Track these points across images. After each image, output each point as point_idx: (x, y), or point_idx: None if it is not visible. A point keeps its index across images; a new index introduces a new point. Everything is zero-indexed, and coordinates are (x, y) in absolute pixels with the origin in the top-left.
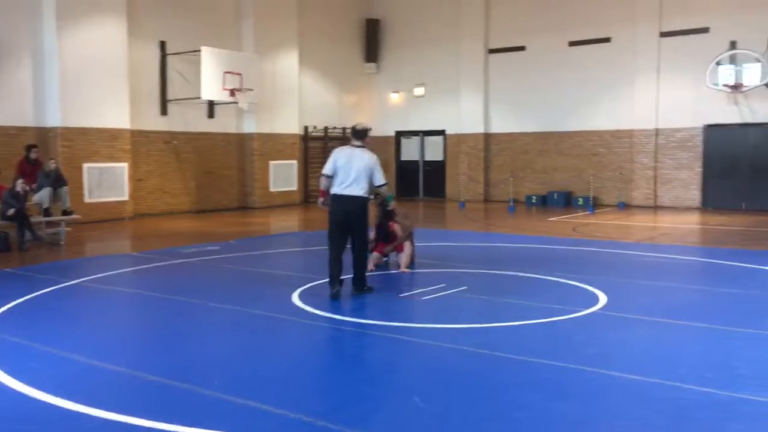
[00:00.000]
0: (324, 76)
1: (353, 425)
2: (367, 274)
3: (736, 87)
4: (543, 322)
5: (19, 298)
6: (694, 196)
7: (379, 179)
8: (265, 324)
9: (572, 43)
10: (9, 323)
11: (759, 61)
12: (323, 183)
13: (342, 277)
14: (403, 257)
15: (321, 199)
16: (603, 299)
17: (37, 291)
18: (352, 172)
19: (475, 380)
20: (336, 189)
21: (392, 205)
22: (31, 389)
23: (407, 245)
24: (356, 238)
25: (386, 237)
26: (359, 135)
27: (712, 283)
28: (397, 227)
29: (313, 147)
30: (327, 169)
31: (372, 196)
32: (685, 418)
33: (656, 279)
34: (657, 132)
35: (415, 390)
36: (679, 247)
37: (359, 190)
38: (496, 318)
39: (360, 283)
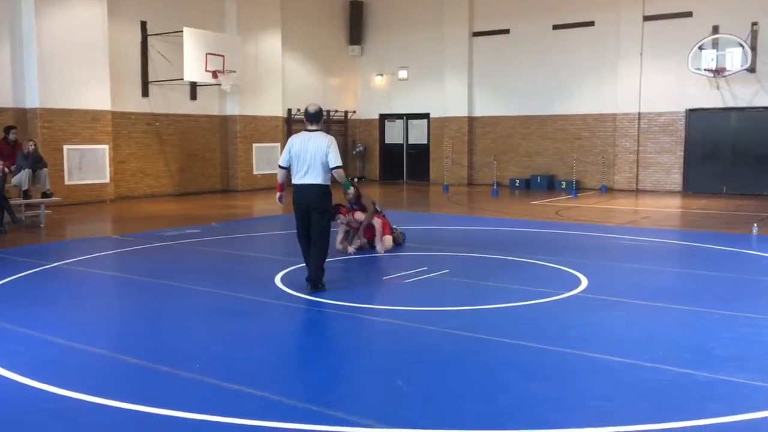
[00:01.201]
0: (307, 59)
1: (335, 407)
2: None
3: (719, 71)
4: (525, 305)
5: None
6: (676, 180)
7: (334, 161)
8: (247, 307)
9: (556, 27)
10: None
11: (741, 45)
12: (279, 175)
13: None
14: (379, 243)
15: (278, 194)
16: (584, 282)
17: (17, 274)
18: (308, 159)
19: (457, 362)
20: (295, 179)
21: (350, 192)
22: (10, 372)
23: (378, 227)
24: (314, 226)
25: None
26: (313, 117)
27: (692, 266)
28: (358, 215)
29: (297, 130)
30: (282, 160)
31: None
32: (664, 399)
33: (637, 262)
34: (639, 116)
35: (397, 372)
36: (660, 231)
37: (317, 177)
38: (478, 301)
39: (313, 281)
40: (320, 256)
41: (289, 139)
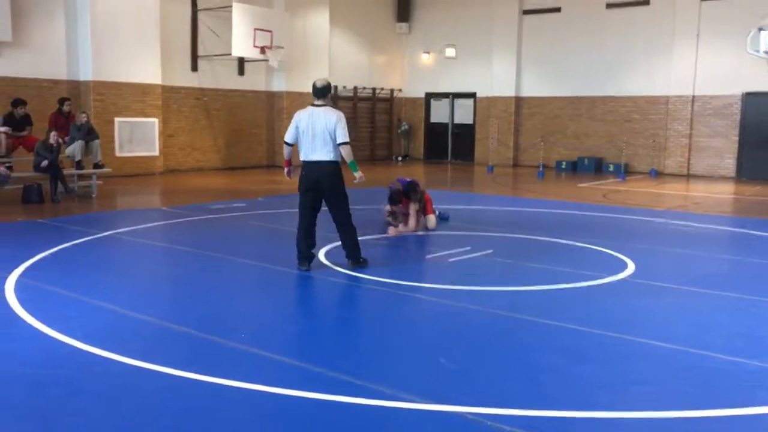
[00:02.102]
0: (354, 36)
1: (377, 381)
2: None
3: None
4: (569, 288)
5: (52, 248)
6: (729, 165)
7: (341, 136)
8: (291, 280)
9: (610, 6)
10: (42, 272)
11: None
12: (286, 152)
13: (312, 253)
14: (429, 220)
15: (286, 170)
16: (631, 266)
17: (70, 242)
18: (316, 135)
19: (499, 342)
20: (303, 156)
21: (358, 176)
22: (65, 337)
23: (413, 217)
24: (335, 210)
25: (403, 216)
26: (320, 93)
27: (743, 253)
28: (411, 206)
29: (343, 107)
30: (288, 136)
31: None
32: (711, 385)
33: (686, 247)
34: (693, 99)
35: (440, 349)
36: (711, 217)
37: (327, 154)
38: (521, 282)
39: (354, 258)
40: (354, 237)
41: (296, 114)
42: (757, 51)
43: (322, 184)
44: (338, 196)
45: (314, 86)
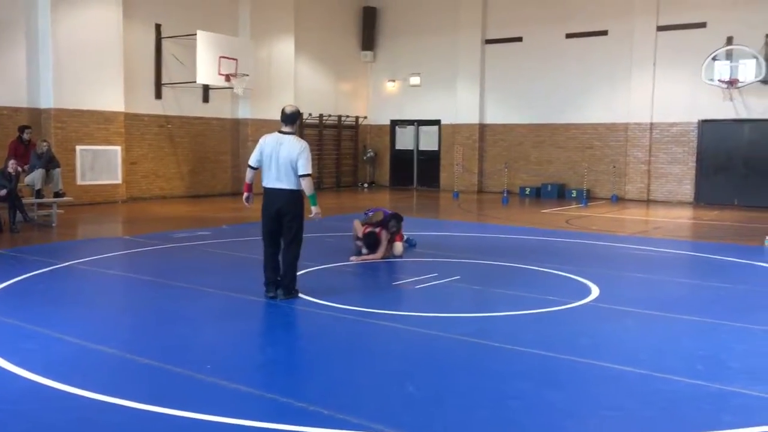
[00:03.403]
0: (320, 64)
1: (344, 410)
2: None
3: (732, 83)
4: (535, 313)
5: (10, 279)
6: (687, 190)
7: (303, 168)
8: (257, 309)
9: (569, 35)
10: (0, 304)
11: (755, 57)
12: (248, 175)
13: (279, 280)
14: (396, 246)
15: (245, 195)
16: (595, 291)
17: (29, 272)
18: (280, 163)
19: (468, 368)
20: (264, 182)
21: (315, 211)
22: (23, 370)
23: (383, 246)
24: (287, 233)
25: (373, 245)
26: (289, 119)
27: (704, 277)
28: (384, 234)
29: (308, 134)
30: (252, 160)
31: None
32: (676, 410)
33: (648, 272)
34: (652, 126)
35: (408, 377)
36: (671, 241)
37: (288, 182)
38: (488, 308)
39: (287, 288)
40: (294, 262)
41: (261, 139)
42: (712, 80)
43: (282, 211)
44: (295, 222)
45: (283, 112)
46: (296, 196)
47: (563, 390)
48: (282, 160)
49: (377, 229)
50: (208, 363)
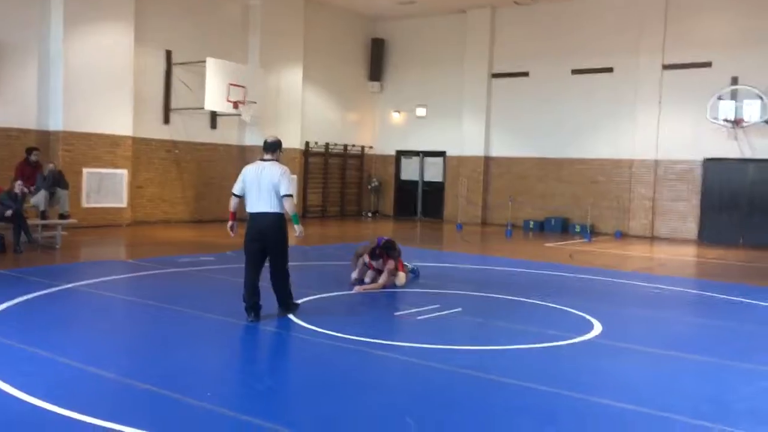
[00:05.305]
0: (327, 93)
1: None
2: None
3: (737, 122)
4: (537, 347)
5: (12, 300)
6: (691, 228)
7: (284, 189)
8: (259, 337)
9: (575, 71)
10: (1, 325)
11: (760, 97)
12: (232, 203)
13: (260, 304)
14: (398, 277)
15: (230, 223)
16: (598, 327)
17: (31, 294)
18: (262, 187)
19: (467, 402)
20: (248, 208)
21: (298, 229)
22: (22, 393)
23: (386, 274)
24: (273, 258)
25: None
26: (270, 147)
27: (708, 316)
28: (390, 265)
29: (314, 163)
30: (236, 188)
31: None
32: None
33: (652, 309)
34: (656, 163)
35: (407, 410)
36: (675, 279)
37: (271, 206)
38: (489, 341)
39: (285, 305)
40: (285, 283)
41: (244, 168)
42: (717, 119)
43: (265, 235)
44: (279, 246)
45: (265, 142)
46: (279, 219)
47: (563, 427)
48: (264, 185)
49: (380, 260)
50: (208, 390)
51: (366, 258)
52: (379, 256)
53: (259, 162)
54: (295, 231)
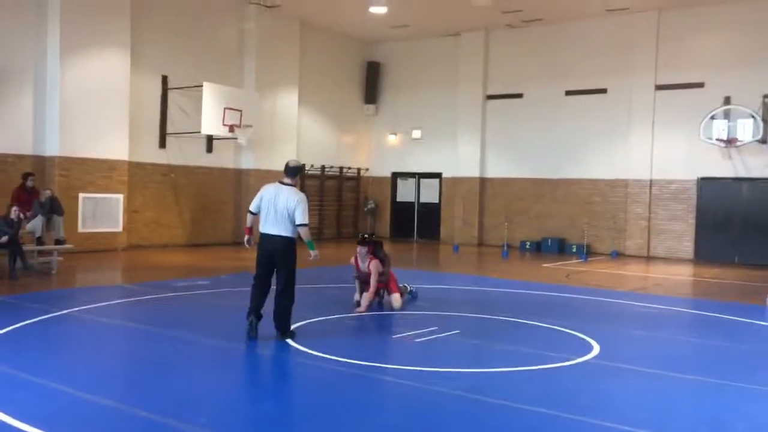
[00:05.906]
0: (323, 116)
1: None
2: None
3: (730, 141)
4: (535, 369)
5: (7, 327)
6: (687, 247)
7: (300, 218)
8: (256, 361)
9: (569, 93)
10: None
11: (753, 117)
12: (248, 219)
13: (261, 312)
14: (394, 299)
15: (246, 237)
16: (596, 348)
17: (26, 320)
18: (277, 210)
19: (466, 425)
20: (261, 227)
21: (313, 254)
22: (16, 421)
23: (374, 277)
24: (279, 278)
25: (366, 280)
26: (291, 172)
27: (706, 336)
28: (374, 265)
29: (310, 185)
30: (253, 206)
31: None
32: None
33: (649, 329)
34: (651, 183)
35: None
36: (671, 299)
37: (284, 230)
38: (487, 363)
39: (282, 329)
40: (288, 308)
41: (263, 187)
42: (710, 138)
43: (275, 256)
44: (287, 268)
45: (287, 165)
46: (290, 242)
47: None
48: (279, 208)
49: (367, 263)
50: (202, 415)
51: (357, 249)
52: (366, 245)
53: (278, 184)
54: (310, 255)
